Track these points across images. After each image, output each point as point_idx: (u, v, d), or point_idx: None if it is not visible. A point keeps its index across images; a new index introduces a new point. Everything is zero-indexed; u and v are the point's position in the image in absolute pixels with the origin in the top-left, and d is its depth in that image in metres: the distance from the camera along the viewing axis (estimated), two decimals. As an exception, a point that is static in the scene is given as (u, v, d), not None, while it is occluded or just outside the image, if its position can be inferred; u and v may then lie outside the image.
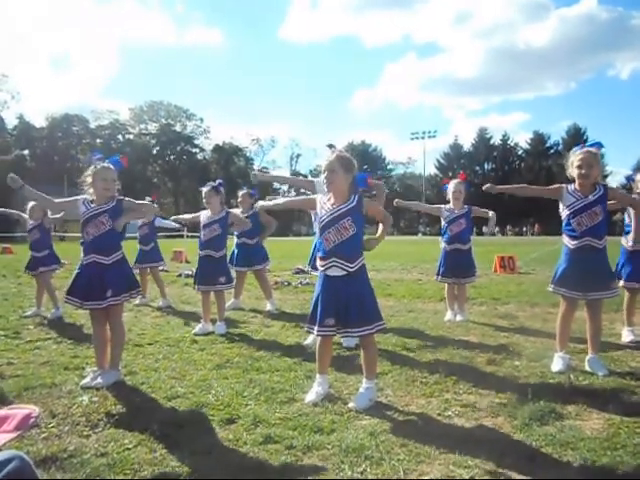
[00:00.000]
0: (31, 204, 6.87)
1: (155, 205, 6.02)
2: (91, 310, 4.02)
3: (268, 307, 7.29)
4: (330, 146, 3.66)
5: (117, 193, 4.07)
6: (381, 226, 3.67)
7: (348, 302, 3.36)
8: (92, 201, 4.02)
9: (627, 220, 5.25)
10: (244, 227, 6.54)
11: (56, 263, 7.25)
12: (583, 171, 3.99)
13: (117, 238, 4.03)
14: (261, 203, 4.45)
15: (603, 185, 4.09)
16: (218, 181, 6.16)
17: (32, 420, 1.61)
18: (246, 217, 6.79)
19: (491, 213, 6.51)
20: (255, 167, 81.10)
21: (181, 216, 7.03)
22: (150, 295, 8.15)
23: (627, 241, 5.20)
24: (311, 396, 3.45)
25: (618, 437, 2.83)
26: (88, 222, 3.96)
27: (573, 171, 4.06)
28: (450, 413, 3.26)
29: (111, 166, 4.01)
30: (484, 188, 4.52)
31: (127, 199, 4.12)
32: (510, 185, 4.76)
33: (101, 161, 4.02)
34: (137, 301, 7.79)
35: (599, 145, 4.09)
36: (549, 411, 3.17)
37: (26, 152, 67.40)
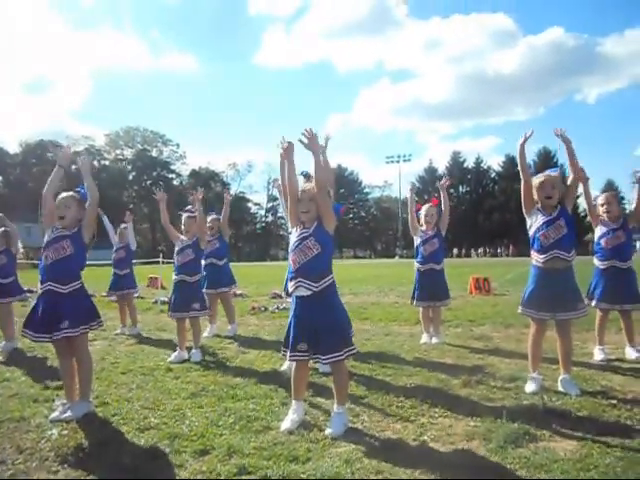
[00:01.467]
0: None
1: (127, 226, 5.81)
2: (52, 342, 3.89)
3: (228, 332, 7.32)
4: (305, 174, 3.69)
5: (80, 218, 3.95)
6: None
7: (317, 327, 3.36)
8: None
9: (596, 238, 5.38)
10: (203, 237, 6.13)
11: (22, 292, 6.95)
12: (546, 192, 4.17)
13: (76, 266, 3.91)
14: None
15: (560, 204, 4.21)
16: (195, 208, 6.15)
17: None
18: (214, 239, 7.14)
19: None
20: (232, 191, 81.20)
21: (165, 212, 6.03)
22: (128, 323, 7.95)
23: (598, 261, 5.33)
24: (286, 424, 3.41)
25: (591, 458, 2.87)
26: (49, 246, 3.87)
27: (536, 193, 4.23)
28: (426, 438, 3.26)
29: (69, 193, 3.93)
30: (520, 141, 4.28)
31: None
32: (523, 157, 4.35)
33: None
34: (118, 330, 7.66)
35: (558, 169, 4.32)
36: (523, 433, 3.20)
37: (-1, 178, 66.42)
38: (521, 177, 4.30)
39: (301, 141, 3.41)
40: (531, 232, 4.29)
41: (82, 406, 3.81)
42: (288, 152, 3.56)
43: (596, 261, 5.38)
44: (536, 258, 4.25)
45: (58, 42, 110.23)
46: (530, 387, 4.14)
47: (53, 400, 4.11)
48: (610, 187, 49.19)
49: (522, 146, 4.32)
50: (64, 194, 3.94)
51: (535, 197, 4.25)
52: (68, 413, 3.71)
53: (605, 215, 5.28)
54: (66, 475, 2.80)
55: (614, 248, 5.23)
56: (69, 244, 3.85)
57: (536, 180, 4.25)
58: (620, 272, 5.21)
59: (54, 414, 3.73)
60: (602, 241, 5.29)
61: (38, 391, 4.46)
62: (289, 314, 3.59)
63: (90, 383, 4.02)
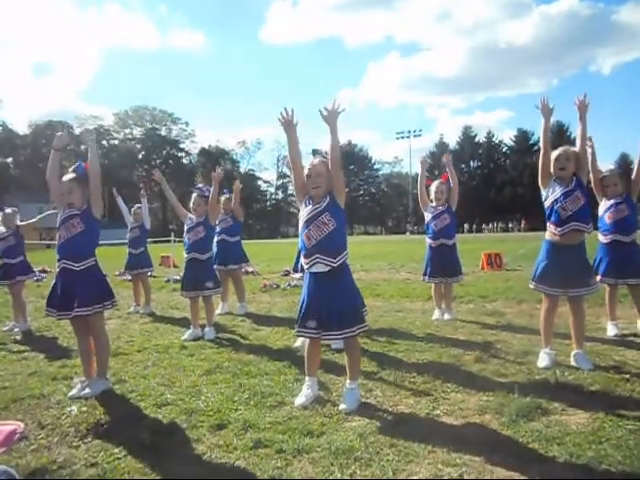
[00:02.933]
0: (3, 212, 6.71)
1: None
2: (70, 319, 3.97)
3: (237, 310, 7.39)
4: (315, 152, 3.67)
5: (86, 198, 3.96)
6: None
7: (331, 304, 3.39)
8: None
9: (600, 213, 5.34)
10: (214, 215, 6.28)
11: (32, 272, 7.13)
12: (560, 164, 4.19)
13: (89, 242, 3.96)
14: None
15: (574, 175, 4.21)
16: (206, 187, 6.15)
17: (17, 436, 1.60)
18: (228, 217, 7.38)
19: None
20: (242, 169, 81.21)
21: (169, 191, 6.21)
22: (142, 302, 8.05)
23: (602, 235, 5.31)
24: (300, 399, 3.46)
25: (603, 431, 2.89)
26: (61, 225, 3.93)
27: (552, 166, 4.24)
28: (438, 412, 3.29)
29: (68, 177, 3.95)
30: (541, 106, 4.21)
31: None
32: (546, 129, 4.29)
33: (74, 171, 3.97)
34: (131, 309, 7.76)
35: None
36: (535, 407, 3.22)
37: (9, 160, 66.84)
38: (542, 148, 4.29)
39: (321, 112, 3.42)
40: (547, 204, 4.27)
41: (100, 383, 3.89)
42: (289, 125, 3.53)
43: (600, 236, 5.35)
44: (553, 231, 4.23)
45: (64, 22, 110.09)
46: (543, 362, 4.16)
47: (71, 378, 4.20)
48: (625, 160, 48.35)
49: (548, 118, 4.25)
50: (64, 179, 3.97)
51: (551, 170, 4.25)
52: (87, 390, 3.79)
53: (608, 190, 5.23)
54: (87, 450, 2.87)
55: (617, 222, 5.19)
56: (79, 221, 3.90)
57: (554, 152, 4.26)
58: (623, 246, 5.18)
59: (73, 391, 3.82)
60: (606, 215, 5.26)
61: (56, 369, 4.55)
62: (302, 291, 3.62)
63: (107, 361, 4.10)
